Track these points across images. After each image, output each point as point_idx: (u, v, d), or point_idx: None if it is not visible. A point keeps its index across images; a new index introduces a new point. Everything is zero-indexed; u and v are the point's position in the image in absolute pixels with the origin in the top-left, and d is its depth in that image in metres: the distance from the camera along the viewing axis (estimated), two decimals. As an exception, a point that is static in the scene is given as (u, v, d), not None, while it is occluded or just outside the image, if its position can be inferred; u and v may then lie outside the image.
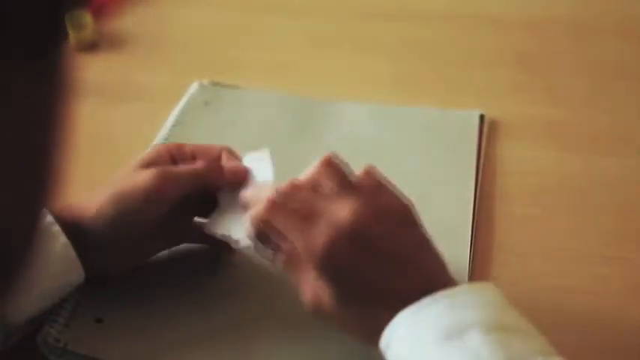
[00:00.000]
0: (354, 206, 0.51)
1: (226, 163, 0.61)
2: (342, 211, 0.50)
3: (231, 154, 0.62)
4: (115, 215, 0.57)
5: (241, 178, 0.60)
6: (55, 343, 0.57)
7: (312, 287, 0.52)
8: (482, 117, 0.83)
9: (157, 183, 0.57)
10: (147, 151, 0.61)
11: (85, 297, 0.60)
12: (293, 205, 0.52)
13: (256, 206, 0.54)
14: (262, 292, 0.62)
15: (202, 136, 0.79)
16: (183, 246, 0.65)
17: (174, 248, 0.65)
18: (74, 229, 0.56)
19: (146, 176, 0.57)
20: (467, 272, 0.64)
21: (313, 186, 0.53)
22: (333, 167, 0.54)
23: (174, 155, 0.61)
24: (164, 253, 0.64)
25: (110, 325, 0.59)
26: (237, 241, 0.58)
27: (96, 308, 0.60)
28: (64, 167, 0.30)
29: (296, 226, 0.51)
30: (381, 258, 0.50)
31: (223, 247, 0.62)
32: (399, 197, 0.54)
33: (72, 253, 0.56)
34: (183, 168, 0.59)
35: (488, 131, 0.82)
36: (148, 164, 0.59)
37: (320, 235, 0.50)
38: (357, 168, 0.59)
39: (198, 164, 0.60)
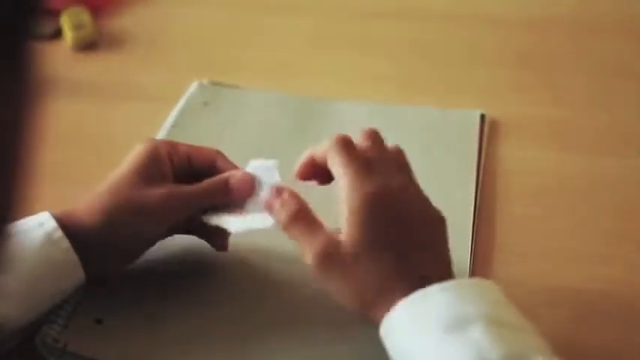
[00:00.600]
0: (404, 175, 0.55)
1: (232, 178, 0.59)
2: (395, 173, 0.54)
3: (225, 159, 0.62)
4: (118, 230, 0.57)
5: (248, 194, 0.59)
6: (54, 344, 0.57)
7: (324, 238, 0.52)
8: (482, 117, 0.83)
9: (169, 206, 0.57)
10: (143, 150, 0.60)
11: (84, 297, 0.60)
12: (354, 149, 0.55)
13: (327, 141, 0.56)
14: (261, 293, 0.62)
15: (202, 136, 0.79)
16: (183, 247, 0.65)
17: (173, 250, 0.65)
18: (76, 233, 0.56)
19: (158, 198, 0.57)
20: (467, 272, 0.64)
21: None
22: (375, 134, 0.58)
23: (171, 156, 0.60)
24: (163, 255, 0.64)
25: (110, 325, 0.59)
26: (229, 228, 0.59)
27: (95, 309, 0.60)
28: (34, 166, 0.30)
29: (350, 166, 0.53)
30: (419, 230, 0.53)
31: (213, 240, 0.63)
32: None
33: (74, 257, 0.56)
34: (191, 189, 0.59)
35: (488, 131, 0.82)
36: (147, 173, 0.58)
37: (371, 188, 0.52)
38: None
39: (206, 184, 0.59)
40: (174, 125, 0.82)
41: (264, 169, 0.60)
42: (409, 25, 1.05)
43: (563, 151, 0.80)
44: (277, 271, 0.64)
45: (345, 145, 0.55)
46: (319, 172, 0.58)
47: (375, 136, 0.58)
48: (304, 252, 0.53)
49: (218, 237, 0.62)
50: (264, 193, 0.58)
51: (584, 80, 0.92)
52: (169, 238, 0.63)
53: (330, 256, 0.51)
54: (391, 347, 0.50)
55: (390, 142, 0.79)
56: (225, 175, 0.60)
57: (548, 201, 0.74)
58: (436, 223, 0.55)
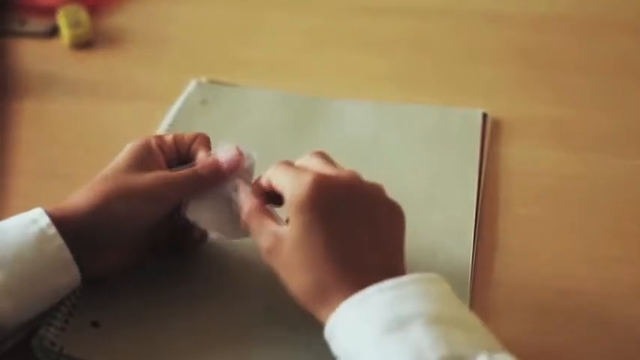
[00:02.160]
0: (345, 171, 0.54)
1: (221, 157, 0.61)
2: (333, 170, 0.54)
3: (205, 140, 0.63)
4: (114, 214, 0.57)
5: (237, 168, 0.61)
6: (50, 347, 0.56)
7: (270, 233, 0.53)
8: (485, 116, 0.83)
9: (160, 188, 0.58)
10: (133, 146, 0.61)
11: (81, 300, 0.60)
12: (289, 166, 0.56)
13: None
14: (259, 295, 0.62)
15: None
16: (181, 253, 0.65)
17: (171, 255, 0.65)
18: (69, 228, 0.56)
19: (149, 180, 0.58)
20: (469, 273, 0.64)
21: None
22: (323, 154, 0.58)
23: (161, 147, 0.62)
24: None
25: (107, 328, 0.59)
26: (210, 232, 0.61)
27: (92, 311, 0.60)
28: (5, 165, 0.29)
29: (287, 172, 0.54)
30: (362, 223, 0.52)
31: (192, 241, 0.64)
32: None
33: (67, 254, 0.55)
34: (183, 172, 0.60)
35: (491, 130, 0.82)
36: (140, 161, 0.60)
37: (309, 177, 0.52)
38: (357, 167, 0.60)
39: (198, 166, 0.61)
40: (172, 124, 0.82)
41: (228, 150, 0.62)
42: (410, 22, 1.05)
43: (567, 151, 0.80)
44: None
45: (286, 161, 0.57)
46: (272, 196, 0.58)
47: (321, 153, 0.58)
48: (257, 244, 0.55)
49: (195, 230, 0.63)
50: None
51: (588, 79, 0.92)
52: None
53: (273, 251, 0.53)
54: (336, 350, 0.50)
55: (390, 141, 0.80)
56: (214, 156, 0.61)
57: (551, 201, 0.73)
58: (390, 217, 0.54)
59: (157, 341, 0.58)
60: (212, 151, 0.62)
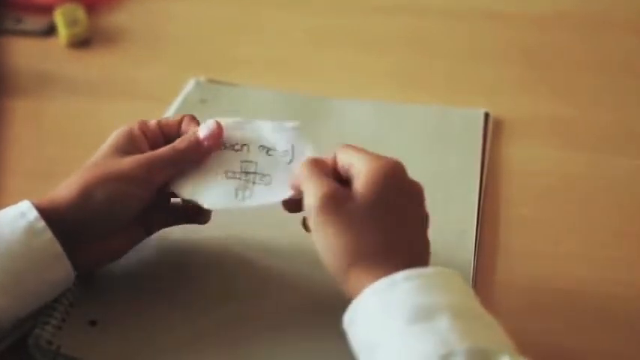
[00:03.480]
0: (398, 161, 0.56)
1: (200, 131, 0.61)
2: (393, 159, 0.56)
3: (192, 119, 0.63)
4: (96, 202, 0.56)
5: (219, 141, 0.61)
6: (47, 346, 0.56)
7: (335, 185, 0.54)
8: (487, 115, 0.83)
9: (140, 170, 0.58)
10: (117, 133, 0.61)
11: (77, 299, 0.60)
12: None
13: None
14: (259, 293, 0.62)
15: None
16: (178, 248, 0.65)
17: (167, 251, 0.65)
18: (58, 221, 0.55)
19: (132, 163, 0.58)
20: (471, 273, 0.64)
21: None
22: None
23: (144, 132, 0.61)
24: (157, 255, 0.64)
25: (104, 327, 0.58)
26: (202, 204, 0.60)
27: (89, 310, 0.59)
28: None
29: (363, 152, 0.56)
30: (412, 214, 0.55)
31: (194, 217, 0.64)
32: None
33: (58, 248, 0.55)
34: (165, 151, 0.60)
35: (493, 130, 0.82)
36: (123, 147, 0.60)
37: (392, 159, 0.55)
38: None
39: (178, 143, 0.60)
40: None
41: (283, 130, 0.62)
42: (411, 20, 1.05)
43: (569, 151, 0.80)
44: (277, 270, 0.63)
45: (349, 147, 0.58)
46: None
47: None
48: (309, 194, 0.54)
49: (198, 211, 0.62)
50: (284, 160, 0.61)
51: (591, 78, 0.92)
52: (163, 238, 0.64)
53: (337, 201, 0.53)
54: (355, 336, 0.50)
55: (391, 141, 0.79)
56: (194, 129, 0.61)
57: (553, 202, 0.73)
58: (424, 214, 0.57)
59: (155, 340, 0.58)
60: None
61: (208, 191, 0.59)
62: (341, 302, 0.56)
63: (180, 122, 0.62)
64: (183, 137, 0.60)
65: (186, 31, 1.05)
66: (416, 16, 1.05)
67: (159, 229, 0.63)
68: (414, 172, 0.73)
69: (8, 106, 0.86)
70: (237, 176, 0.60)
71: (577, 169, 0.77)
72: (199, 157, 0.60)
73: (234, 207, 0.59)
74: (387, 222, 0.53)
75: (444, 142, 0.80)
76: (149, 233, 0.63)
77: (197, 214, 0.63)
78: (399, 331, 0.47)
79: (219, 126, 0.61)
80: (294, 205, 0.58)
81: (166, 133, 0.62)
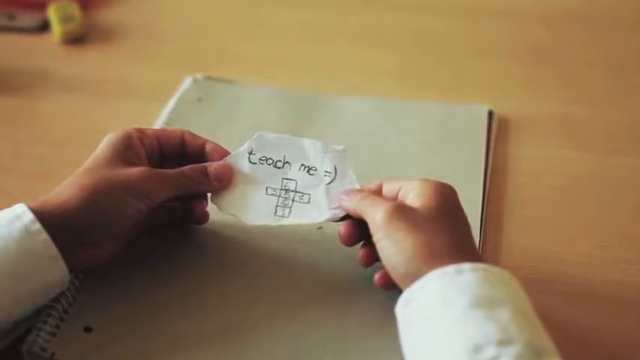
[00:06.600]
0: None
1: (210, 165, 0.63)
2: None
3: (193, 137, 0.65)
4: (101, 209, 0.57)
5: (227, 183, 0.63)
6: (41, 353, 0.55)
7: (398, 202, 0.57)
8: (490, 113, 0.82)
9: (150, 183, 0.59)
10: (115, 136, 0.62)
11: (72, 305, 0.59)
12: None
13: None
14: (254, 298, 0.61)
15: (196, 133, 0.76)
16: (173, 254, 0.65)
17: (163, 257, 0.64)
18: (54, 224, 0.55)
19: (138, 174, 0.59)
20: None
21: None
22: None
23: (142, 140, 0.62)
24: (153, 261, 0.64)
25: (99, 334, 0.58)
26: (242, 219, 0.63)
27: (84, 316, 0.59)
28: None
29: (407, 179, 0.60)
30: (461, 221, 0.58)
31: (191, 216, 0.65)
32: None
33: (53, 250, 0.55)
34: (172, 172, 0.62)
35: (497, 128, 0.82)
36: (123, 153, 0.61)
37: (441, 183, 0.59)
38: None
39: (187, 169, 0.62)
40: (167, 122, 0.81)
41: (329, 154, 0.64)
42: (413, 15, 1.05)
43: (577, 150, 0.79)
44: (271, 274, 0.63)
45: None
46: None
47: None
48: (374, 211, 0.57)
49: (195, 209, 0.64)
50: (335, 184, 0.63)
51: (599, 75, 0.92)
52: (159, 242, 0.64)
53: (404, 210, 0.56)
54: (408, 315, 0.52)
55: (393, 138, 0.79)
56: (205, 164, 0.63)
57: (559, 202, 0.73)
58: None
59: (150, 347, 0.57)
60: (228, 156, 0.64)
61: (248, 207, 0.63)
62: (341, 302, 0.58)
63: (178, 136, 0.64)
64: (194, 167, 0.62)
65: (183, 28, 1.05)
66: (418, 12, 1.05)
67: (158, 227, 0.64)
68: (416, 170, 0.74)
69: (3, 105, 0.85)
70: (277, 193, 0.63)
71: (583, 169, 0.77)
72: (205, 192, 0.63)
73: (272, 224, 0.62)
74: (449, 227, 0.56)
75: (446, 139, 0.79)
76: (146, 234, 0.63)
77: (196, 214, 0.64)
78: (459, 312, 0.49)
79: (229, 171, 0.63)
80: (353, 237, 0.61)
81: (163, 144, 0.64)
